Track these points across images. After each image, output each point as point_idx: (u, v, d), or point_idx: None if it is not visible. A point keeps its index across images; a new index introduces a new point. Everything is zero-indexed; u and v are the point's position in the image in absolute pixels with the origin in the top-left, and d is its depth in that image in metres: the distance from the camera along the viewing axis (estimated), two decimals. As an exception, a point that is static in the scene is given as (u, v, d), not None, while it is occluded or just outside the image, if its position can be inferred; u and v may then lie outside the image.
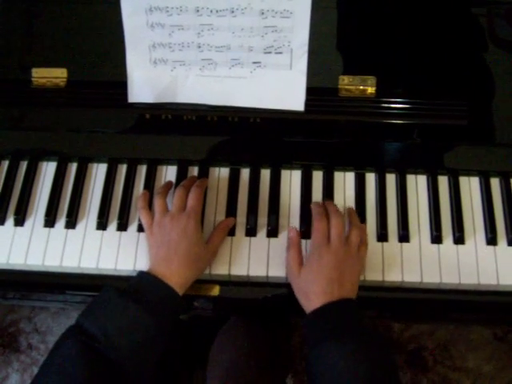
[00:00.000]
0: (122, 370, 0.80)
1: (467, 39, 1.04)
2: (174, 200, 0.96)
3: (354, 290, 0.90)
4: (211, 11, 0.95)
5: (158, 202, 0.97)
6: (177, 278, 0.88)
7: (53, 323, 1.79)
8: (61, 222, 1.02)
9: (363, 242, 0.95)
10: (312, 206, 0.99)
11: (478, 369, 1.70)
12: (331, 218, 0.94)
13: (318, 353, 0.82)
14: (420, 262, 0.97)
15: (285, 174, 1.04)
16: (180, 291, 0.88)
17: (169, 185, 1.02)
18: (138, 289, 0.87)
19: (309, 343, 0.85)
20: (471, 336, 1.74)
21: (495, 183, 1.03)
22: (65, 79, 1.05)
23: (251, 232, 0.99)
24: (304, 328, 0.87)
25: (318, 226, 0.94)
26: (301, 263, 0.93)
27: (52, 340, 1.75)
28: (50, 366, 0.80)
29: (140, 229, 1.00)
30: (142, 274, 0.89)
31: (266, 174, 1.04)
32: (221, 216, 1.01)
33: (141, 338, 0.82)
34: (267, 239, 0.99)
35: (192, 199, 0.96)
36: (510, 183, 1.03)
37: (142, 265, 0.96)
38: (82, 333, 0.81)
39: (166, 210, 0.96)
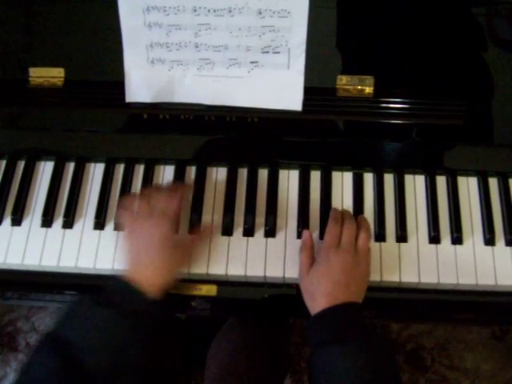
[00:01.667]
0: (101, 378, 0.79)
1: (466, 39, 1.04)
2: (151, 204, 0.95)
3: (360, 295, 0.90)
4: (208, 11, 0.94)
5: (141, 205, 0.95)
6: (152, 281, 0.87)
7: (51, 322, 1.78)
8: (58, 222, 1.02)
9: (363, 230, 0.95)
10: (332, 210, 0.99)
11: (477, 368, 1.70)
12: (345, 222, 0.95)
13: (321, 355, 0.82)
14: (418, 262, 0.97)
15: (283, 174, 1.04)
16: (156, 295, 0.87)
17: (148, 190, 1.00)
18: (114, 296, 0.85)
19: (311, 345, 0.85)
20: (469, 336, 1.74)
21: (493, 183, 1.03)
22: (62, 79, 1.05)
23: (249, 232, 0.99)
24: (307, 329, 0.87)
25: (331, 229, 0.94)
26: (311, 265, 0.92)
27: (50, 339, 1.75)
28: (27, 377, 0.79)
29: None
30: (116, 280, 0.88)
31: (263, 174, 1.04)
32: (218, 216, 1.00)
33: (118, 344, 0.82)
34: (265, 239, 0.99)
35: (170, 205, 0.95)
36: (508, 183, 1.03)
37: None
38: (58, 342, 0.80)
39: (148, 213, 0.93)
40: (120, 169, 1.06)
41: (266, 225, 0.99)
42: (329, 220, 0.96)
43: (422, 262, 0.96)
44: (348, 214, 0.98)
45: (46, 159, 1.07)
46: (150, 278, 0.87)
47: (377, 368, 0.81)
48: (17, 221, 1.01)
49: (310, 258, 0.94)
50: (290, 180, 1.04)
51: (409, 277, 0.96)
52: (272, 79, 1.00)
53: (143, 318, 0.85)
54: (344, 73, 1.02)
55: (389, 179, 1.03)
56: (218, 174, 1.05)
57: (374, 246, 0.97)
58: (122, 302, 0.84)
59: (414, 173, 1.04)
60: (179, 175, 1.04)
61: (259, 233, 0.99)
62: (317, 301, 0.87)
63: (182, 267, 0.95)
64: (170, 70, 1.01)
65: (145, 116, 1.04)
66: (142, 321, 0.85)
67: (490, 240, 0.98)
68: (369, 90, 1.02)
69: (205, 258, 0.97)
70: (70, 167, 1.06)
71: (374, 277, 0.95)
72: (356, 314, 0.86)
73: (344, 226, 0.94)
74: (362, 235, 0.94)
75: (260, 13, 0.94)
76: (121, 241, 0.97)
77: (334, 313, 0.85)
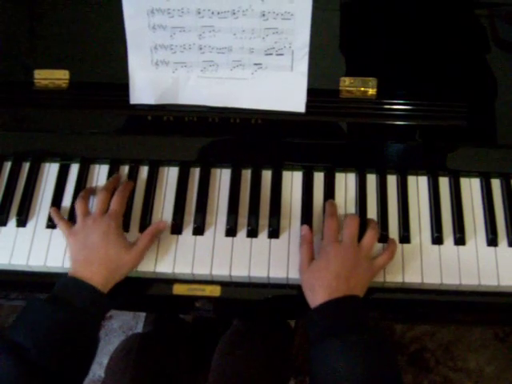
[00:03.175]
0: (57, 374, 0.80)
1: (469, 40, 1.04)
2: (95, 203, 0.98)
3: (361, 290, 0.90)
4: (212, 13, 0.95)
5: (79, 205, 0.98)
6: (97, 278, 0.89)
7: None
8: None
9: (387, 253, 0.95)
10: (326, 204, 1.00)
11: (480, 370, 1.70)
12: (347, 217, 0.96)
13: (321, 348, 0.82)
14: (421, 262, 0.97)
15: (286, 175, 1.04)
16: (102, 290, 0.89)
17: (91, 189, 1.04)
18: (63, 293, 0.87)
19: (311, 337, 0.86)
20: (473, 337, 1.74)
21: (496, 184, 1.03)
22: (67, 81, 1.05)
23: (252, 233, 0.99)
24: (307, 322, 0.87)
25: (328, 223, 0.95)
26: (311, 259, 0.93)
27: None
28: None
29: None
30: (63, 278, 0.89)
31: (267, 175, 1.04)
32: (222, 217, 1.01)
33: (69, 339, 0.83)
34: (268, 240, 0.99)
35: (114, 203, 0.97)
36: (510, 184, 1.03)
37: (142, 264, 0.97)
38: (12, 346, 0.81)
39: (87, 212, 0.97)
40: (124, 170, 1.06)
41: (269, 226, 1.00)
42: (325, 215, 0.97)
43: (424, 263, 0.97)
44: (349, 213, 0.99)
45: (51, 161, 1.07)
46: (97, 273, 0.89)
47: (375, 360, 0.81)
48: (22, 222, 1.02)
49: (310, 252, 0.94)
50: (293, 181, 1.04)
51: (412, 277, 0.96)
52: (275, 81, 1.00)
53: (94, 311, 0.87)
54: (347, 74, 1.02)
55: (392, 180, 1.04)
56: (222, 176, 1.05)
57: (377, 246, 0.97)
58: (70, 296, 0.86)
59: (417, 174, 1.04)
60: (183, 176, 1.05)
61: (263, 234, 1.00)
62: (316, 293, 0.87)
63: (132, 264, 0.95)
64: (174, 72, 1.01)
65: (149, 118, 1.04)
66: (93, 314, 0.87)
67: (492, 241, 0.98)
68: (372, 91, 1.02)
69: (208, 258, 0.98)
70: (75, 169, 1.07)
71: (378, 277, 0.95)
72: (356, 307, 0.86)
73: (346, 220, 0.95)
74: (369, 233, 0.94)
75: (263, 15, 0.95)
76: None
77: (333, 305, 0.85)
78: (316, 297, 0.87)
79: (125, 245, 0.94)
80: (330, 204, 0.99)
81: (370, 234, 0.94)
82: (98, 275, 0.89)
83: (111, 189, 1.00)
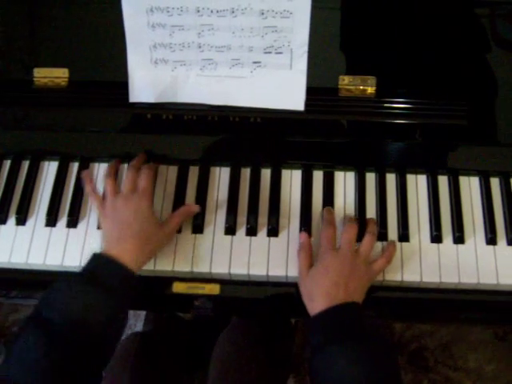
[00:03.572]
0: (84, 352, 0.80)
1: (469, 39, 1.04)
2: (125, 181, 0.98)
3: (360, 296, 0.89)
4: (211, 11, 0.95)
5: (109, 183, 0.98)
6: (130, 256, 0.88)
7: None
8: (62, 222, 1.02)
9: (385, 257, 0.95)
10: (324, 211, 1.00)
11: (479, 369, 1.70)
12: (345, 224, 0.95)
13: (322, 357, 0.82)
14: (420, 261, 0.97)
15: (285, 174, 1.04)
16: (134, 269, 0.88)
17: (117, 164, 1.03)
18: (94, 271, 0.86)
19: (312, 346, 0.85)
20: (472, 336, 1.74)
21: (495, 183, 1.03)
22: (66, 79, 1.05)
23: (251, 231, 0.99)
24: (307, 331, 0.87)
25: (325, 232, 0.95)
26: (309, 266, 0.93)
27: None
28: (11, 356, 0.79)
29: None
30: (95, 255, 0.89)
31: (266, 174, 1.04)
32: (221, 215, 1.01)
33: (99, 317, 0.82)
34: (267, 238, 0.99)
35: (143, 180, 0.97)
36: (509, 183, 1.03)
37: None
38: (41, 321, 0.80)
39: (117, 190, 0.97)
40: (124, 168, 1.06)
41: (268, 224, 1.00)
42: (323, 223, 0.97)
43: (423, 261, 0.97)
44: (348, 216, 0.99)
45: (51, 159, 1.07)
46: (129, 251, 0.89)
47: (377, 368, 0.80)
48: (21, 220, 1.02)
49: (309, 259, 0.94)
50: (292, 180, 1.04)
51: (411, 276, 0.96)
52: (274, 79, 1.00)
53: (125, 291, 0.87)
54: (346, 73, 1.02)
55: (391, 179, 1.04)
56: (221, 174, 1.05)
57: (376, 245, 0.97)
58: (100, 275, 0.85)
59: (416, 172, 1.04)
60: (182, 175, 1.05)
61: (262, 232, 1.00)
62: (315, 301, 0.87)
63: (163, 241, 0.96)
64: (173, 71, 1.02)
65: (148, 116, 1.04)
66: (124, 294, 0.86)
67: (491, 239, 0.98)
68: (371, 90, 1.02)
69: (208, 256, 0.98)
70: (74, 167, 1.07)
71: (377, 276, 0.95)
72: (355, 314, 0.86)
73: (344, 228, 0.95)
74: (367, 239, 0.94)
75: (262, 13, 0.95)
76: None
77: (332, 313, 0.85)
78: (315, 304, 0.87)
79: (156, 221, 0.95)
80: (328, 211, 0.99)
81: (368, 239, 0.94)
82: (131, 253, 0.89)
83: (137, 166, 1.00)
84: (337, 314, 0.85)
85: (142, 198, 0.95)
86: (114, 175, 1.01)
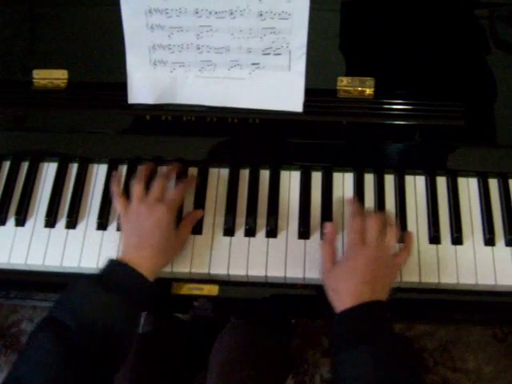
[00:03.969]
0: (96, 358, 0.80)
1: (468, 40, 1.05)
2: (152, 188, 0.97)
3: (386, 292, 0.89)
4: (210, 13, 0.95)
5: (136, 188, 0.97)
6: (147, 265, 0.88)
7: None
8: (61, 223, 1.02)
9: (405, 249, 0.95)
10: (350, 202, 0.99)
11: (479, 370, 1.70)
12: (369, 218, 0.93)
13: (348, 355, 0.80)
14: (418, 262, 0.97)
15: (284, 175, 1.05)
16: (150, 278, 0.89)
17: (148, 169, 1.02)
18: (110, 277, 0.86)
19: (336, 344, 0.84)
20: (471, 337, 1.74)
21: (493, 184, 1.03)
22: (65, 80, 1.05)
23: (250, 232, 1.00)
24: (333, 328, 0.86)
25: (353, 225, 0.93)
26: (333, 260, 0.92)
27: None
28: (24, 359, 0.79)
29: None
30: (113, 261, 0.88)
31: (265, 175, 1.05)
32: (220, 217, 1.01)
33: (113, 324, 0.82)
34: (266, 239, 0.99)
35: (176, 192, 0.97)
36: (508, 184, 1.03)
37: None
38: (55, 324, 0.80)
39: (143, 196, 0.96)
40: (123, 170, 1.06)
41: (267, 225, 1.00)
42: (350, 215, 0.96)
43: (422, 262, 0.97)
44: (369, 211, 0.97)
45: (50, 160, 1.08)
46: (147, 259, 0.89)
47: (404, 369, 0.79)
48: (20, 221, 1.02)
49: (333, 252, 0.93)
50: (291, 181, 1.04)
51: (410, 277, 0.96)
52: (273, 81, 1.00)
53: (140, 299, 0.86)
54: (345, 74, 1.02)
55: (389, 180, 1.04)
56: (220, 175, 1.05)
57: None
58: (117, 281, 0.85)
59: (415, 174, 1.04)
60: (181, 176, 1.04)
61: (261, 233, 1.00)
62: (341, 298, 0.86)
63: (176, 253, 0.97)
64: (172, 72, 1.02)
65: (147, 117, 1.04)
66: (139, 302, 0.86)
67: (490, 240, 0.98)
68: (369, 91, 1.02)
69: (207, 258, 0.98)
70: (74, 168, 1.07)
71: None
72: (382, 313, 0.85)
73: (368, 221, 0.92)
74: (390, 231, 0.93)
75: (261, 15, 0.95)
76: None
77: (360, 312, 0.83)
78: (341, 301, 0.86)
79: (175, 233, 0.95)
80: (355, 204, 0.98)
81: (392, 233, 0.93)
82: (148, 262, 0.89)
83: (170, 177, 1.00)
84: (364, 312, 0.84)
85: (168, 209, 0.94)
86: (144, 180, 0.99)
